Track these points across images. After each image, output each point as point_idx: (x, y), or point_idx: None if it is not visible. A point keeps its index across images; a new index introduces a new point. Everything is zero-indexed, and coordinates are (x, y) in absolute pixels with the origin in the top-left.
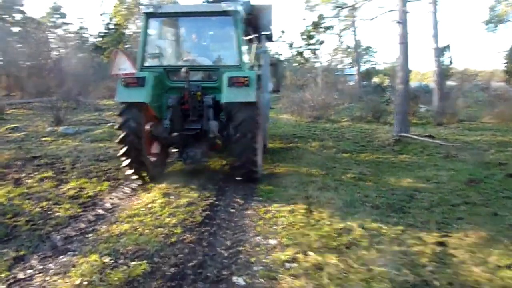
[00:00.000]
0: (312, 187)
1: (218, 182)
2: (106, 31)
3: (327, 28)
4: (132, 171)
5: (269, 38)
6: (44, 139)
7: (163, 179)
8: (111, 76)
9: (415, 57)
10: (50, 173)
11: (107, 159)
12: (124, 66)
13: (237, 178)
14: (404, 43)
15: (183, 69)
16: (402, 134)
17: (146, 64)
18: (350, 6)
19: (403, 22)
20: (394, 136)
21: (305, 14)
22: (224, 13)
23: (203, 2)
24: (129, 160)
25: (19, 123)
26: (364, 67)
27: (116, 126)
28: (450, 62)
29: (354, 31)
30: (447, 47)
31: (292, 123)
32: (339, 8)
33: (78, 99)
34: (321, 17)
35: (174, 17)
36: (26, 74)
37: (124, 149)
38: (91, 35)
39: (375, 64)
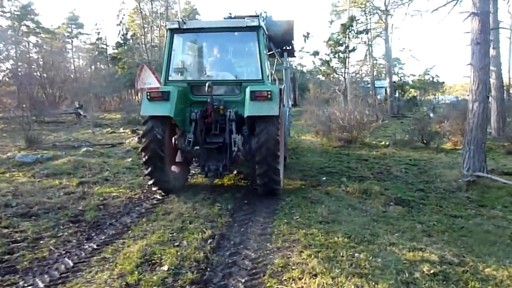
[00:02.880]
0: None
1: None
2: (122, 41)
3: (359, 32)
4: (152, 181)
5: (291, 53)
6: None
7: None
8: (134, 88)
9: (442, 66)
10: None
11: (43, 212)
12: (149, 81)
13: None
14: (482, 43)
15: (206, 84)
16: (478, 173)
17: (171, 78)
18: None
19: (481, 13)
20: (465, 176)
21: (331, 18)
22: (248, 29)
23: (225, 17)
24: (150, 169)
25: None
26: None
27: (140, 135)
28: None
29: (386, 38)
30: None
31: (317, 148)
32: (370, 13)
33: (79, 113)
34: (352, 18)
35: (198, 32)
36: (38, 85)
37: (147, 157)
38: (108, 46)
39: (403, 76)
